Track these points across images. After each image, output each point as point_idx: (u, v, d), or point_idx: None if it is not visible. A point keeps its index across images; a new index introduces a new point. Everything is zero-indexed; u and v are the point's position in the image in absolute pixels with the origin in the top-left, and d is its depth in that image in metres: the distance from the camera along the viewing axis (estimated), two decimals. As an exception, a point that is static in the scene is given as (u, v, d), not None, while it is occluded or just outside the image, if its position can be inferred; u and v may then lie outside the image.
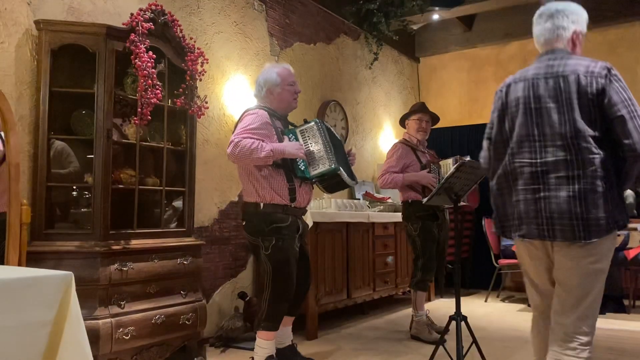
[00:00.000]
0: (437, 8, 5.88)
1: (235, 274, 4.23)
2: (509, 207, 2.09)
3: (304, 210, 3.10)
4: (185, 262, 3.23)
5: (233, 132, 2.91)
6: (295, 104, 3.12)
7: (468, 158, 3.54)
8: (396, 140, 4.39)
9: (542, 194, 1.97)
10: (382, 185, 4.11)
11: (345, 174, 2.95)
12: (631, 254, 5.22)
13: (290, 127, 3.07)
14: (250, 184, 2.94)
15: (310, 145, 2.94)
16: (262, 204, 2.91)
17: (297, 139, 2.95)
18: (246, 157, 2.76)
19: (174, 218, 3.44)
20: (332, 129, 3.15)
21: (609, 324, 4.58)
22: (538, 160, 1.99)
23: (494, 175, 2.17)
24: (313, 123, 2.98)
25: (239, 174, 3.02)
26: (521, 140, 2.04)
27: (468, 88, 7.05)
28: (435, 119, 4.34)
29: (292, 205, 2.94)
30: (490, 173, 2.21)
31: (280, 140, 2.94)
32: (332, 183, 3.04)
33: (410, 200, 4.09)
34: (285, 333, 3.13)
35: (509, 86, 2.16)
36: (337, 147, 3.06)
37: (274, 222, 2.89)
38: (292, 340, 3.18)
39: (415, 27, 6.77)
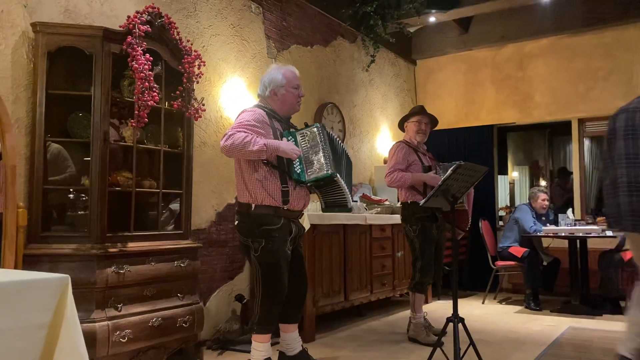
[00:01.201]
0: (433, 11, 5.90)
1: (233, 277, 4.23)
2: (609, 207, 2.75)
3: (298, 213, 3.07)
4: (182, 265, 3.23)
5: None
6: (298, 107, 3.11)
7: None
8: (394, 142, 4.37)
9: (629, 199, 2.61)
10: (390, 182, 4.06)
11: (343, 182, 2.92)
12: (627, 255, 5.23)
13: (291, 129, 3.05)
14: (244, 184, 2.92)
15: (308, 149, 2.91)
16: (253, 205, 2.89)
17: (296, 142, 2.93)
18: (238, 150, 2.74)
19: (171, 220, 3.43)
20: (338, 139, 3.11)
21: (605, 326, 4.59)
22: (632, 173, 2.62)
23: (605, 183, 2.83)
24: (314, 127, 2.95)
25: (235, 173, 3.00)
26: (620, 158, 2.68)
27: (465, 90, 7.07)
28: (434, 122, 4.35)
29: (285, 208, 2.92)
30: (604, 181, 2.90)
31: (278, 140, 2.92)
32: (329, 193, 3.00)
33: (409, 202, 4.08)
34: (293, 339, 3.11)
35: (616, 115, 2.77)
36: (341, 160, 3.03)
37: (264, 224, 2.87)
38: (302, 345, 3.17)
39: (411, 30, 6.78)
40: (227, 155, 2.88)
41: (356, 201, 5.26)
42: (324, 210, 3.12)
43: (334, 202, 3.01)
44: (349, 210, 3.11)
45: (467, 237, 6.52)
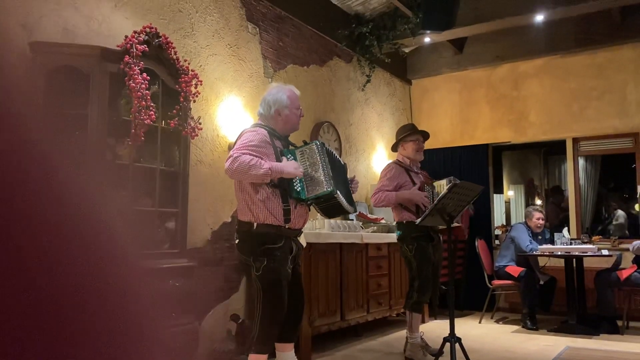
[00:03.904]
0: (428, 31, 5.97)
1: (228, 296, 4.19)
2: None
3: (298, 232, 3.07)
4: (177, 284, 3.20)
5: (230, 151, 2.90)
6: (298, 127, 3.15)
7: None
8: (389, 161, 4.38)
9: None
10: (375, 203, 4.08)
11: (343, 198, 2.93)
12: (624, 274, 5.22)
13: (290, 147, 3.07)
14: (245, 202, 2.92)
15: (308, 166, 2.92)
16: (255, 224, 2.88)
17: (295, 160, 2.94)
18: (244, 173, 2.75)
19: (167, 239, 3.42)
20: (334, 153, 3.13)
21: (603, 345, 4.56)
22: None
23: None
24: (313, 145, 2.96)
25: (235, 191, 3.00)
26: None
27: (460, 109, 7.12)
28: (426, 138, 4.36)
29: (286, 227, 2.92)
30: None
31: (279, 159, 2.93)
32: (329, 207, 3.01)
33: (405, 221, 4.07)
34: (289, 359, 3.08)
35: None
36: (338, 171, 3.04)
37: (266, 242, 2.87)
38: None
39: (407, 50, 6.86)
40: (232, 178, 2.88)
41: (352, 219, 5.26)
42: (325, 215, 3.13)
43: (334, 208, 3.02)
44: (352, 212, 3.10)
45: (463, 255, 6.51)
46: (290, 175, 2.85)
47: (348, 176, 3.22)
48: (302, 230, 3.14)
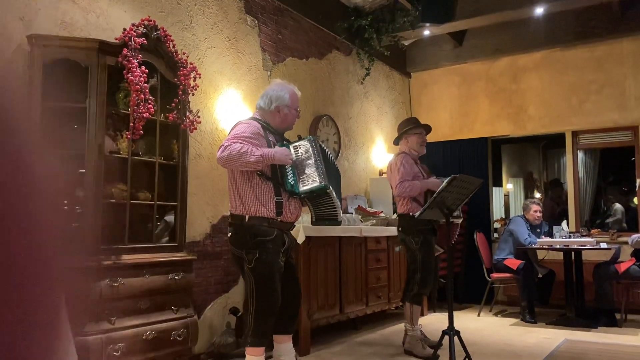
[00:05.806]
0: (427, 24, 5.95)
1: (227, 289, 4.20)
2: None
3: (291, 225, 3.07)
4: (176, 278, 3.21)
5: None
6: (292, 127, 3.17)
7: None
8: (394, 154, 4.35)
9: None
10: (401, 192, 4.03)
11: (335, 195, 2.93)
12: (622, 267, 5.24)
13: (284, 142, 3.07)
14: (238, 195, 2.92)
15: (302, 161, 2.92)
16: (247, 217, 2.89)
17: None
18: (235, 161, 2.75)
19: (166, 233, 3.42)
20: (329, 153, 3.13)
21: (601, 338, 4.58)
22: None
23: None
24: (306, 140, 2.98)
25: (228, 184, 3.00)
26: None
27: (459, 103, 7.11)
28: (428, 131, 4.36)
29: (278, 219, 2.92)
30: None
31: None
32: (320, 205, 3.00)
33: (410, 214, 4.07)
34: (287, 351, 3.09)
35: None
36: (331, 171, 3.04)
37: (258, 235, 2.87)
38: (296, 357, 3.14)
39: (406, 43, 6.83)
40: (224, 167, 2.88)
41: (351, 213, 5.26)
42: (314, 223, 3.12)
43: (325, 215, 3.02)
44: (339, 223, 3.11)
45: (461, 248, 6.52)
46: (282, 162, 2.86)
47: (341, 184, 3.21)
48: (295, 224, 3.14)
